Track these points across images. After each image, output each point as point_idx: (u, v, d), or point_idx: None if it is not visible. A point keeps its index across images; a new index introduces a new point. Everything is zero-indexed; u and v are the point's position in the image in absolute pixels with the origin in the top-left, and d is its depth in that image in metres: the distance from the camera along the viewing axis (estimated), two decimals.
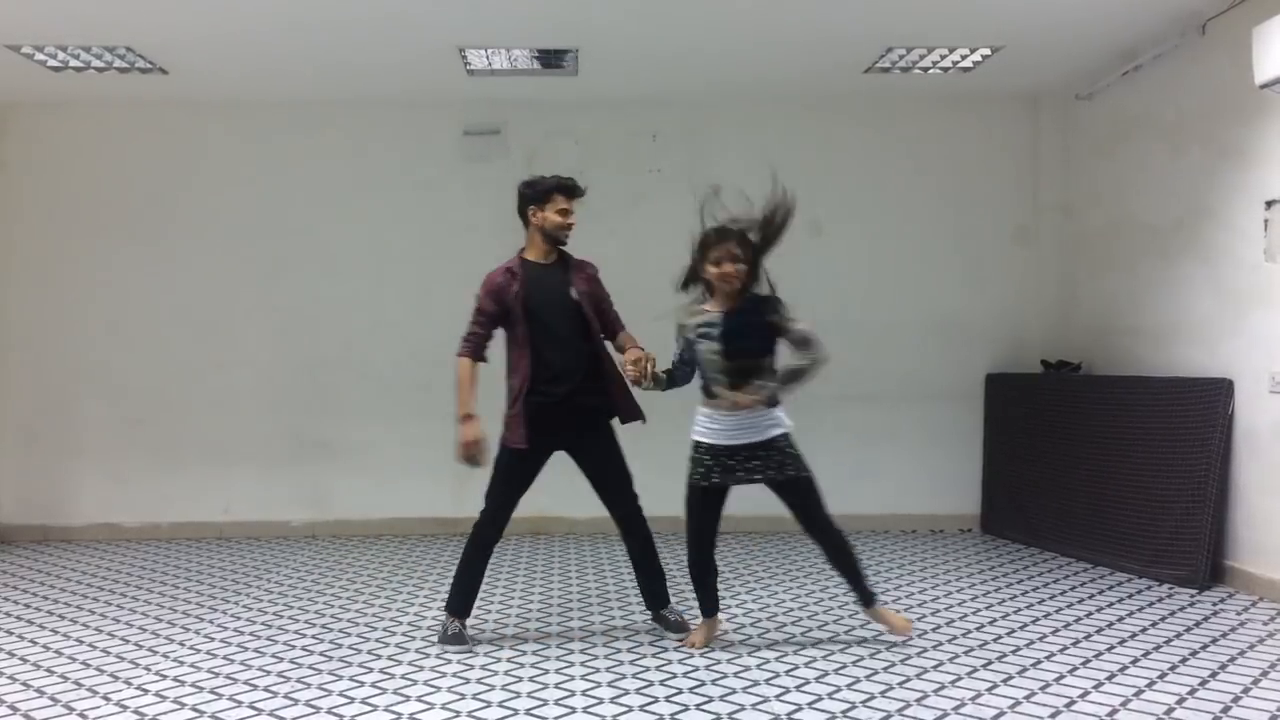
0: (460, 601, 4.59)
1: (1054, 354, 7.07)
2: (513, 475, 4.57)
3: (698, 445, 4.36)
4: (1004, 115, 7.27)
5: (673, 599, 4.80)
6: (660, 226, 7.42)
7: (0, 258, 7.13)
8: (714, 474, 4.33)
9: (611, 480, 4.62)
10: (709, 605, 4.49)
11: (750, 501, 6.96)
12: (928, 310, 7.25)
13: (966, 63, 6.41)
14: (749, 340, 4.31)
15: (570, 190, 4.57)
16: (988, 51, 6.20)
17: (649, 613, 4.78)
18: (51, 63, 6.15)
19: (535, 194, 4.56)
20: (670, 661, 4.24)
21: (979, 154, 7.28)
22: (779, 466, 4.34)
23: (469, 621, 4.65)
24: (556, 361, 4.49)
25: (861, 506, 7.20)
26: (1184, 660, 4.19)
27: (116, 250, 7.18)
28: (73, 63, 6.16)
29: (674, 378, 4.44)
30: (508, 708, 3.70)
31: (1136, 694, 3.79)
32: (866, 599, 4.48)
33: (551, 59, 6.26)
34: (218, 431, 7.17)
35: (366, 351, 7.22)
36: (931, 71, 6.58)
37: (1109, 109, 6.63)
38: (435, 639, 4.57)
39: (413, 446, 7.18)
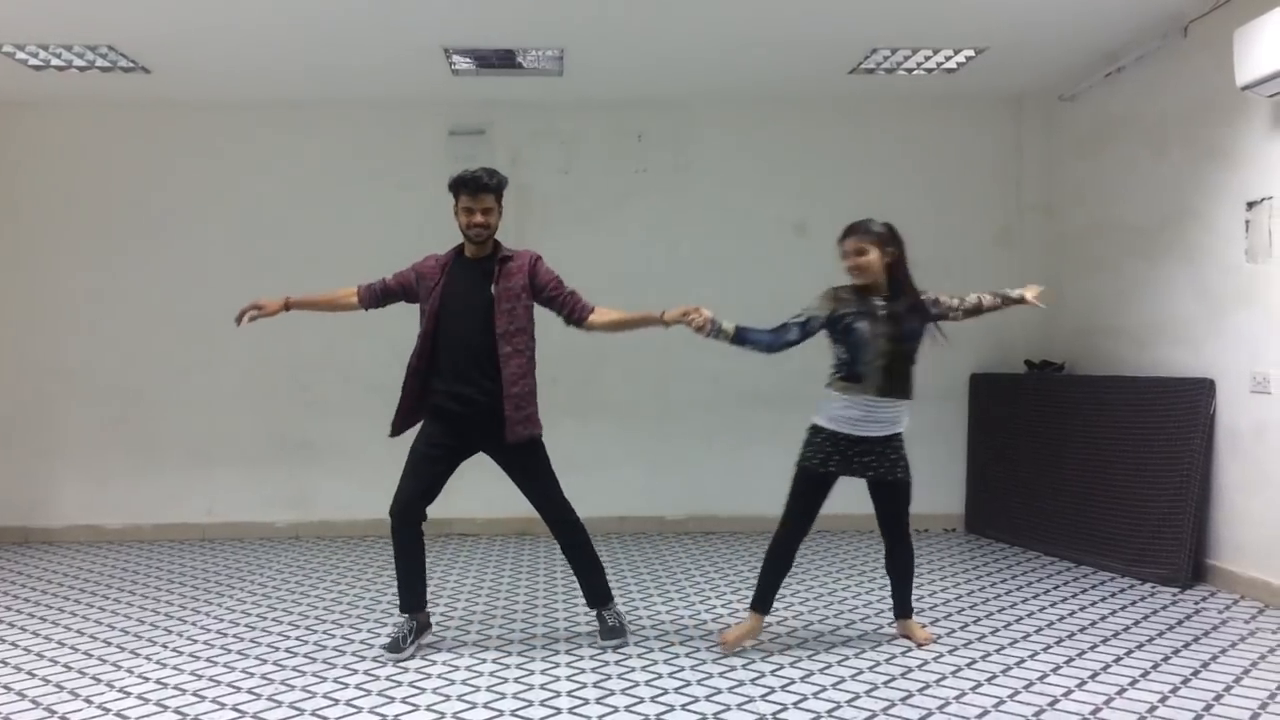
0: (402, 597, 4.50)
1: (1038, 354, 7.10)
2: (414, 464, 4.54)
3: (820, 430, 4.36)
4: (987, 116, 7.30)
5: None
6: (645, 226, 7.45)
7: None
8: (832, 461, 4.36)
9: (533, 494, 4.49)
10: (765, 601, 4.44)
11: (741, 500, 7.01)
12: None
13: (951, 64, 6.43)
14: (917, 330, 4.40)
15: (467, 185, 4.34)
16: (971, 53, 6.22)
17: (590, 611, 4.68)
18: (33, 62, 6.11)
19: (452, 193, 4.41)
20: (655, 662, 4.23)
21: (963, 155, 7.31)
22: (891, 466, 4.41)
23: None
24: (456, 362, 4.37)
25: (846, 506, 7.13)
26: (1166, 658, 4.22)
27: (98, 250, 7.13)
28: (54, 62, 6.12)
29: (748, 338, 4.38)
30: (493, 709, 3.69)
31: (1119, 692, 3.81)
32: (905, 611, 4.50)
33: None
34: (200, 432, 7.13)
35: (349, 352, 7.19)
36: (916, 73, 6.60)
37: (1092, 110, 6.67)
38: (429, 640, 4.54)
39: (396, 447, 7.11)
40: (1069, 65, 6.50)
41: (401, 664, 4.23)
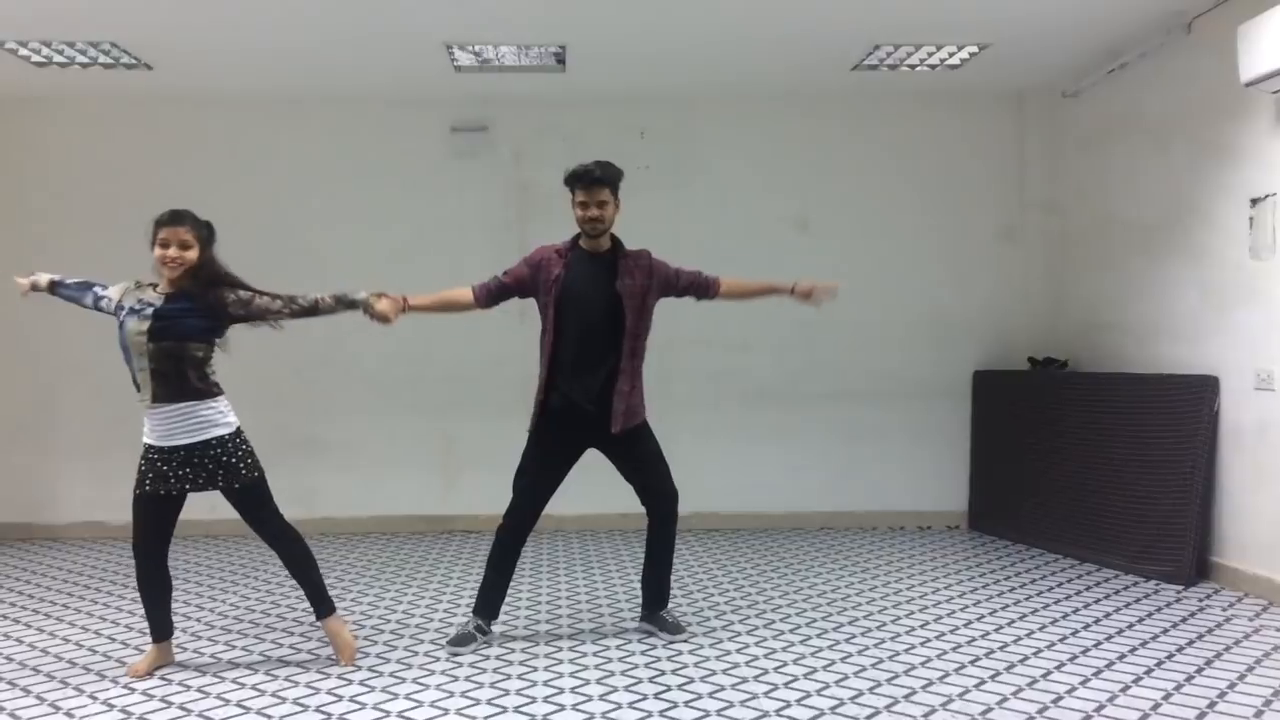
0: (480, 601, 4.54)
1: (1041, 351, 7.10)
2: (530, 466, 4.48)
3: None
4: (990, 113, 7.29)
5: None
6: (648, 223, 7.43)
7: None
8: (147, 480, 4.26)
9: (644, 481, 4.54)
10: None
11: (736, 498, 7.00)
12: (914, 308, 7.27)
13: (954, 60, 6.42)
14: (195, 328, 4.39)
15: (581, 179, 4.39)
16: (975, 49, 6.22)
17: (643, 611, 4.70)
18: (35, 58, 6.11)
19: (568, 186, 4.44)
20: (659, 659, 4.24)
21: (965, 151, 7.30)
22: (212, 476, 4.35)
23: (497, 626, 4.64)
24: (578, 355, 4.36)
25: (849, 504, 7.23)
26: (1170, 656, 4.22)
27: (99, 246, 7.10)
28: (57, 58, 6.12)
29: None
30: (496, 705, 3.70)
31: (1123, 689, 3.81)
32: (326, 609, 4.31)
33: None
34: None
35: (353, 348, 7.19)
36: (919, 69, 6.59)
37: (1095, 107, 6.66)
38: (432, 637, 4.55)
39: (401, 444, 7.17)
40: (1072, 62, 6.49)
41: (405, 662, 4.24)
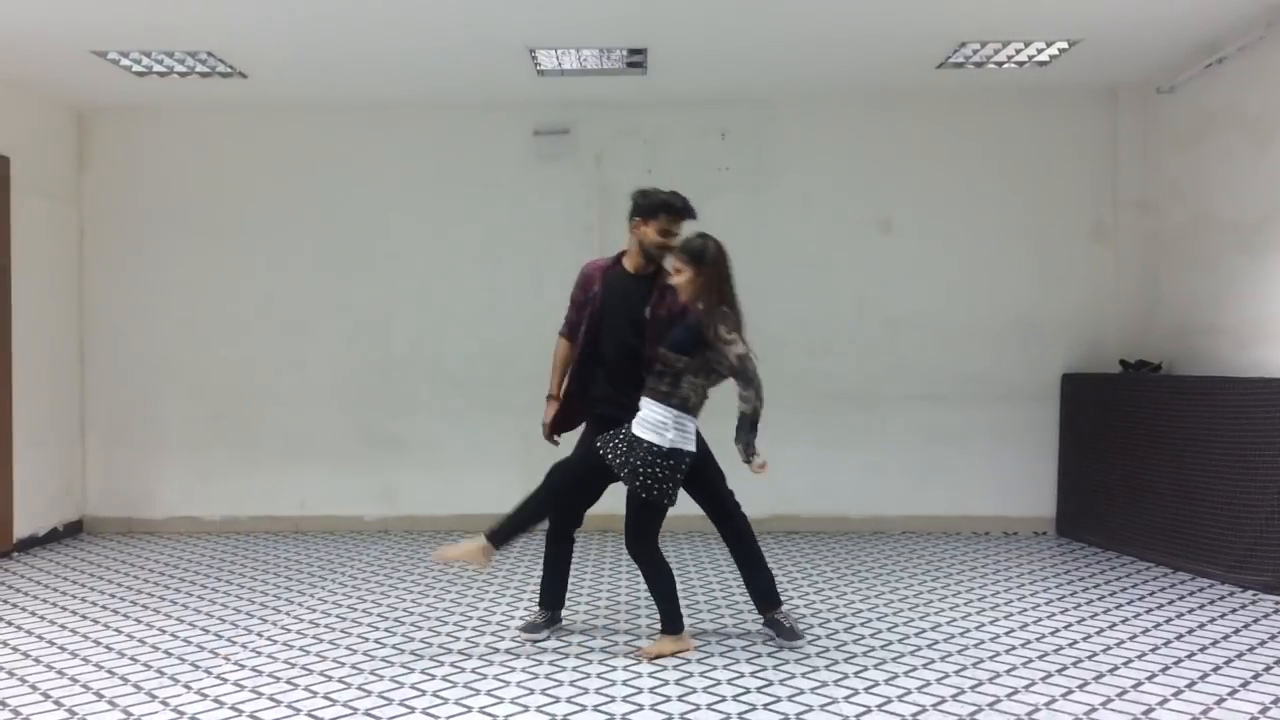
0: (541, 594, 4.72)
1: (1133, 354, 6.91)
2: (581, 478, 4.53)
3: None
4: (1081, 110, 7.12)
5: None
6: (728, 225, 7.43)
7: (85, 258, 7.35)
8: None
9: (705, 493, 4.59)
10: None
11: (817, 501, 6.93)
12: (1003, 309, 7.14)
13: (1043, 56, 6.29)
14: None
15: (677, 211, 4.49)
16: (1065, 45, 6.08)
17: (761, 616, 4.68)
18: (135, 68, 6.33)
19: (644, 207, 4.51)
20: (737, 661, 4.23)
21: (1055, 149, 7.14)
22: None
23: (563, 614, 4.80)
24: (614, 368, 4.52)
25: (933, 508, 7.13)
26: (1268, 669, 4.08)
27: (196, 250, 7.37)
28: (156, 68, 6.34)
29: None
30: (575, 703, 3.73)
31: (1218, 702, 3.69)
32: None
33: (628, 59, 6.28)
34: (294, 427, 7.32)
35: (437, 349, 7.32)
36: (1006, 66, 6.47)
37: (1190, 102, 6.47)
38: (511, 632, 4.61)
39: (482, 443, 7.27)
40: (1167, 56, 6.31)
41: (487, 659, 4.29)
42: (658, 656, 4.25)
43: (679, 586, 5.51)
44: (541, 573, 4.72)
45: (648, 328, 4.46)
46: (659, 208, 4.48)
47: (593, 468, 4.30)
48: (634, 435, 4.18)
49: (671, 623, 4.33)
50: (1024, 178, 7.14)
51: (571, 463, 4.42)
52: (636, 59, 6.27)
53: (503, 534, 4.35)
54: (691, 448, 4.22)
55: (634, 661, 4.22)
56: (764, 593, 4.58)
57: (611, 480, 4.32)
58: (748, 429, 4.15)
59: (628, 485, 4.18)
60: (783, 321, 7.08)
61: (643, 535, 4.28)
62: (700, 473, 4.49)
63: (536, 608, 4.76)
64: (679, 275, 4.24)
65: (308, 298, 7.35)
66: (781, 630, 4.49)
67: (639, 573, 4.57)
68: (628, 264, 4.61)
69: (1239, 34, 5.75)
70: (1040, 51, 6.20)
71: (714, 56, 6.27)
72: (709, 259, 4.20)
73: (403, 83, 6.77)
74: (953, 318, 7.14)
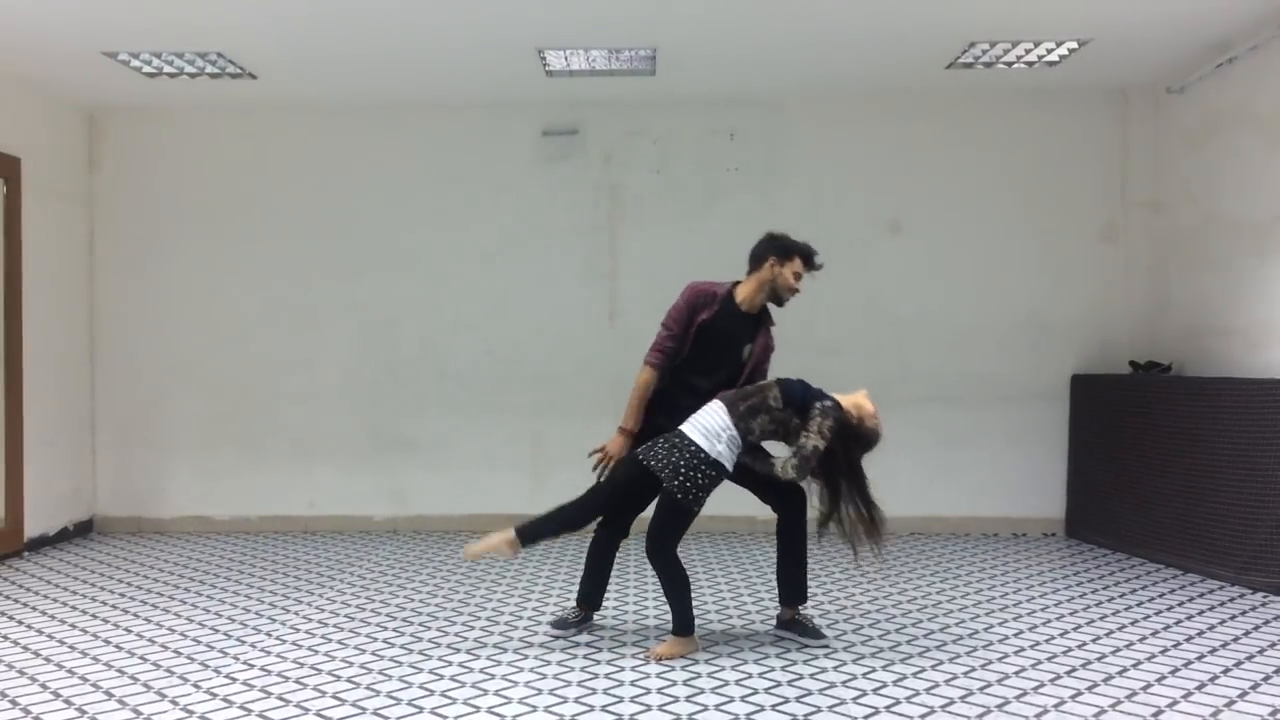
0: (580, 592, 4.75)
1: (1143, 355, 6.89)
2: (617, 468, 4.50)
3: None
4: (1091, 109, 7.10)
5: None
6: (737, 225, 7.44)
7: (95, 258, 7.38)
8: None
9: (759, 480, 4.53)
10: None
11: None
12: (1012, 310, 7.12)
13: (1052, 56, 6.28)
14: None
15: (813, 262, 4.55)
16: (1074, 45, 6.07)
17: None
18: (146, 69, 6.36)
19: (781, 248, 4.51)
20: (745, 662, 4.23)
21: (1065, 149, 7.12)
22: None
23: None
24: (697, 389, 4.45)
25: (942, 509, 7.12)
26: (1278, 671, 4.06)
27: (206, 250, 7.39)
28: (166, 69, 6.36)
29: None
30: (583, 704, 3.73)
31: (1228, 704, 3.68)
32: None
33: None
34: (303, 428, 7.34)
35: (446, 350, 7.33)
36: (1016, 66, 6.45)
37: (1201, 102, 6.45)
38: (519, 632, 4.60)
39: (492, 444, 7.27)
40: (1177, 56, 6.29)
41: (495, 658, 4.30)
42: (667, 657, 4.25)
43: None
44: (583, 570, 4.72)
45: (743, 366, 4.49)
46: (799, 253, 4.51)
47: (634, 479, 4.29)
48: (683, 435, 4.19)
49: (683, 625, 4.33)
50: (1034, 178, 7.13)
51: (610, 476, 4.40)
52: (647, 59, 6.27)
53: (532, 533, 4.38)
54: (730, 468, 4.23)
55: (642, 662, 4.22)
56: (795, 587, 4.58)
57: (658, 488, 4.26)
58: (760, 462, 4.28)
59: (666, 483, 4.16)
60: (791, 322, 6.99)
61: (666, 537, 4.26)
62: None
63: (573, 604, 4.78)
64: (864, 407, 4.29)
65: (317, 298, 7.36)
66: (805, 630, 4.50)
67: (649, 573, 4.59)
68: (741, 297, 4.55)
69: (1250, 33, 5.73)
70: (1050, 51, 6.18)
71: (723, 57, 6.27)
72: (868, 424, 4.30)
73: (412, 84, 6.78)
74: (962, 318, 7.13)
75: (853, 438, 4.25)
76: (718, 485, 4.23)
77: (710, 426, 4.18)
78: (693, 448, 4.15)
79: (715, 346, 4.48)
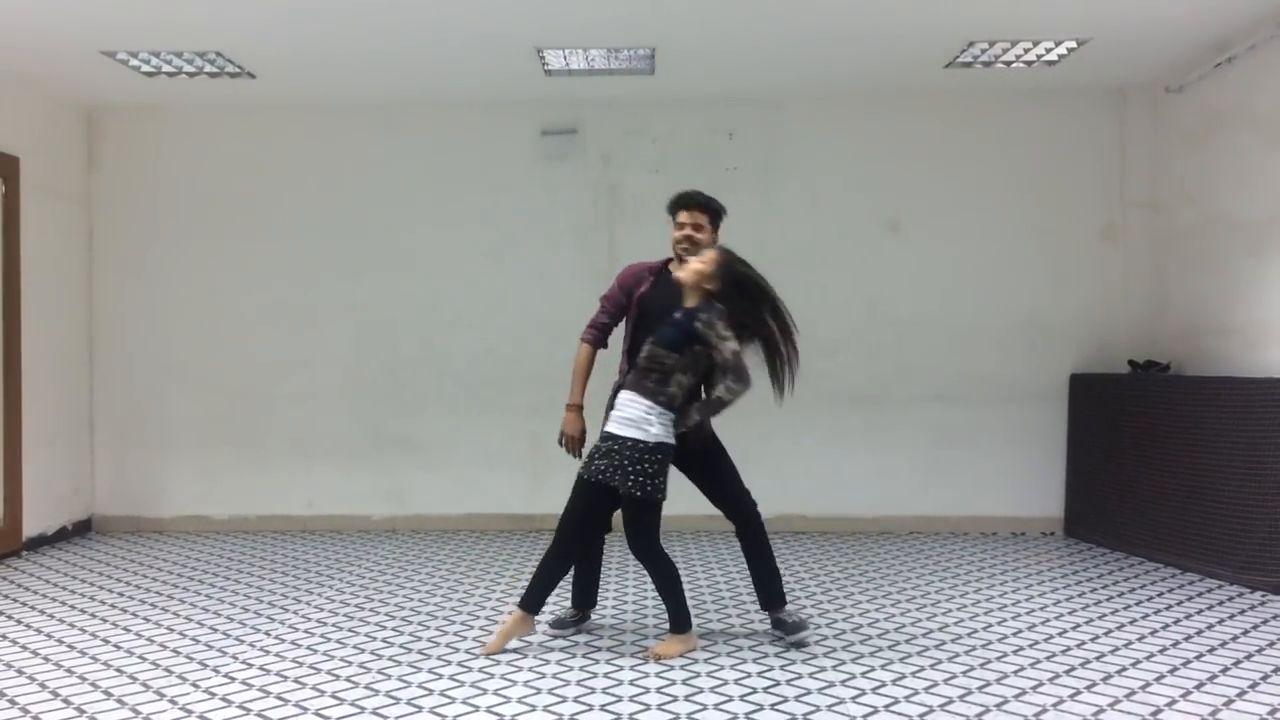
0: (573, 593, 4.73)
1: (1142, 354, 6.90)
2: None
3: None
4: (1089, 109, 7.10)
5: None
6: (735, 225, 7.45)
7: (94, 258, 7.38)
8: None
9: (722, 492, 4.56)
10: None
11: (825, 501, 6.91)
12: (1011, 309, 7.12)
13: (1051, 56, 6.28)
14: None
15: (683, 202, 4.55)
16: (1073, 44, 6.07)
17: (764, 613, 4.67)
18: (145, 68, 6.35)
19: (668, 208, 4.61)
20: (744, 661, 4.23)
21: (1064, 149, 7.12)
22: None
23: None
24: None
25: (941, 508, 7.12)
26: (1277, 670, 4.06)
27: (205, 250, 7.39)
28: (165, 68, 6.36)
29: None
30: (582, 703, 3.73)
31: (1226, 704, 3.68)
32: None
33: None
34: (302, 427, 7.34)
35: (445, 349, 7.32)
36: (1015, 65, 6.45)
37: (1200, 102, 6.45)
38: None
39: (490, 443, 7.27)
40: (1176, 56, 6.30)
41: (494, 658, 4.30)
42: (666, 656, 4.25)
43: (686, 586, 5.52)
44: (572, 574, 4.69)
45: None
46: (672, 204, 4.58)
47: (592, 501, 4.28)
48: (614, 436, 4.19)
49: (680, 622, 4.33)
50: (1032, 178, 7.13)
51: (571, 507, 4.37)
52: (646, 58, 6.27)
53: (534, 598, 4.37)
54: (673, 441, 4.23)
55: (641, 661, 4.22)
56: (772, 591, 4.57)
57: (616, 494, 4.26)
58: (713, 410, 4.19)
59: (620, 489, 4.16)
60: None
61: (644, 535, 4.27)
62: (714, 472, 4.50)
63: (568, 605, 4.77)
64: (694, 268, 4.24)
65: (316, 297, 7.36)
66: (787, 627, 4.49)
67: (645, 572, 4.59)
68: (673, 267, 4.60)
69: (1249, 33, 5.73)
70: (1049, 51, 6.18)
71: (722, 56, 6.27)
72: (731, 270, 4.23)
73: (410, 83, 6.78)
74: (961, 318, 7.13)
75: (739, 302, 4.22)
76: (669, 463, 4.23)
77: (632, 416, 4.18)
78: (629, 443, 4.15)
79: (654, 318, 4.43)
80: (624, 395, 4.26)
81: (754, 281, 4.27)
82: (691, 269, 4.27)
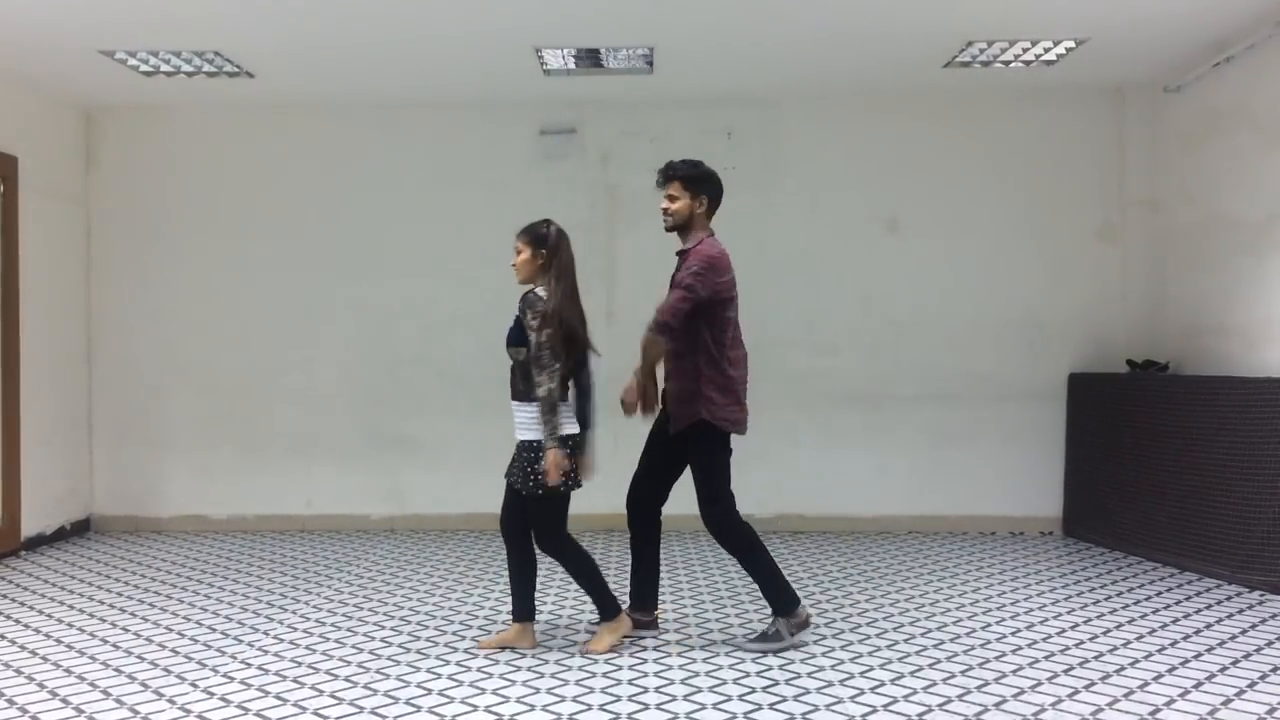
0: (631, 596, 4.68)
1: (1140, 353, 6.90)
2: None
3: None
4: (1088, 108, 7.10)
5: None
6: (734, 224, 7.44)
7: (92, 257, 7.37)
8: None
9: (662, 473, 4.52)
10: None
11: (823, 501, 6.90)
12: (1009, 308, 7.12)
13: (1050, 55, 6.28)
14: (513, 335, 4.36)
15: (662, 177, 4.53)
16: (1072, 44, 6.07)
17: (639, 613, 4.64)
18: (143, 68, 6.35)
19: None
20: (743, 660, 4.23)
21: (1061, 148, 7.12)
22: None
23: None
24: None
25: (939, 508, 7.12)
26: (1275, 669, 4.07)
27: (203, 249, 7.38)
28: (163, 67, 6.35)
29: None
30: (581, 702, 3.73)
31: (1224, 703, 3.69)
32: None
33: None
34: (300, 427, 7.33)
35: (444, 349, 7.32)
36: (1013, 65, 6.45)
37: (1198, 101, 6.45)
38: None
39: (488, 443, 7.23)
40: (1174, 55, 6.30)
41: (493, 657, 4.30)
42: (602, 651, 4.28)
43: (685, 586, 5.51)
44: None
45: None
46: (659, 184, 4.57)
47: (509, 501, 4.40)
48: (518, 442, 4.27)
49: (607, 610, 4.36)
50: (1031, 177, 7.13)
51: (505, 506, 4.45)
52: (644, 58, 6.27)
53: (522, 606, 4.43)
54: (575, 429, 4.27)
55: (640, 661, 4.22)
56: (643, 594, 4.60)
57: (570, 488, 4.28)
58: (545, 411, 4.13)
59: (521, 489, 4.23)
60: (789, 321, 7.09)
61: (550, 530, 4.31)
62: (669, 469, 4.50)
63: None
64: (518, 256, 4.35)
65: (315, 297, 7.36)
66: (766, 637, 4.42)
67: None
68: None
69: (1247, 33, 5.73)
70: (1047, 50, 6.18)
71: (721, 56, 6.27)
72: (550, 243, 4.33)
73: (409, 83, 6.78)
74: (959, 317, 7.13)
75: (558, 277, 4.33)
76: (571, 452, 4.22)
77: (527, 420, 4.23)
78: (520, 444, 4.24)
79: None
80: (513, 403, 4.30)
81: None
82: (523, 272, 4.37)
